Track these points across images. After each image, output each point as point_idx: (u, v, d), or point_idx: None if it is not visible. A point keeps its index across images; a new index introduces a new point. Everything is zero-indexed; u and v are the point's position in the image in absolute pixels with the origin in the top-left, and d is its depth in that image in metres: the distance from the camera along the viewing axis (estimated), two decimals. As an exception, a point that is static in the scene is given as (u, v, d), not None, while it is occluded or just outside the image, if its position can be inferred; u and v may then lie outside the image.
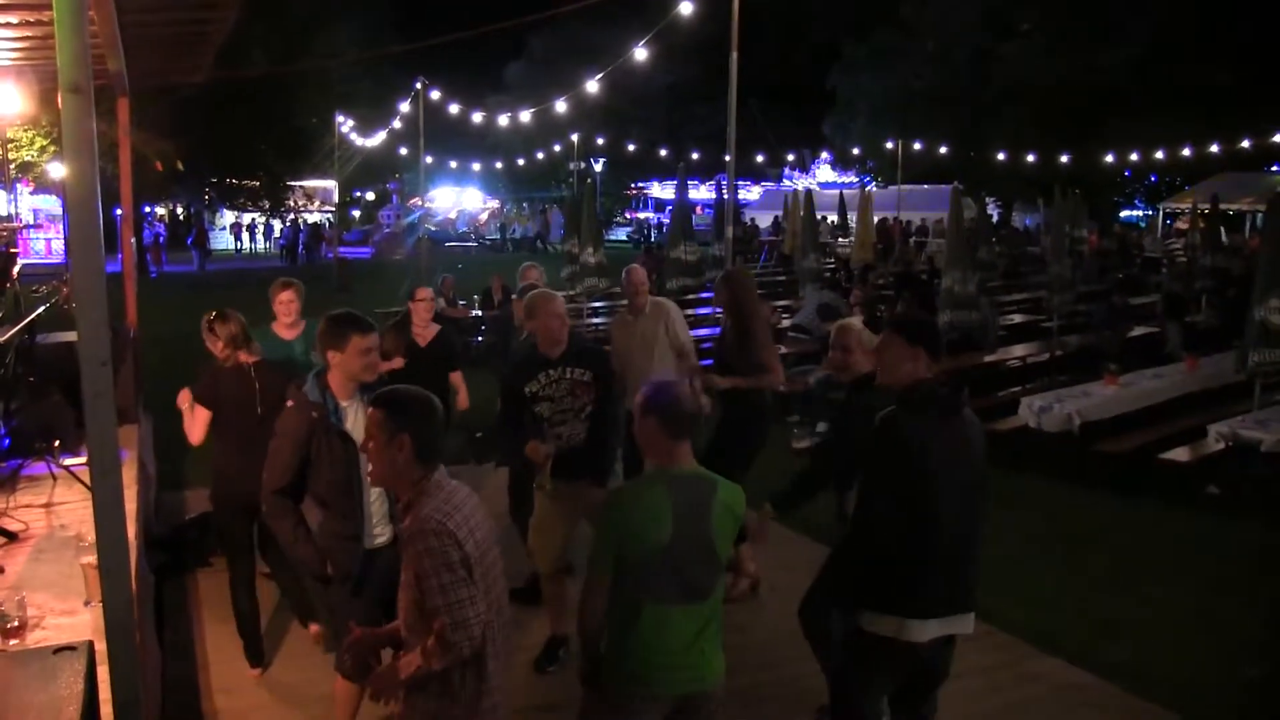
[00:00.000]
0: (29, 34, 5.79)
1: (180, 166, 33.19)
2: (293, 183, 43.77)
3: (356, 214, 55.29)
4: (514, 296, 7.44)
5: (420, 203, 39.62)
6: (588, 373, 5.07)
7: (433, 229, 42.47)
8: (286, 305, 6.23)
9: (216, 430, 5.18)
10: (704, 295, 16.64)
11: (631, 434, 3.50)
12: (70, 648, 2.67)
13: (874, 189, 34.10)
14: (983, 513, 3.62)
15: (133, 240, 9.21)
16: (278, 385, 4.97)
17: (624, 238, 50.32)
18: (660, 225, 49.40)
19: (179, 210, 48.80)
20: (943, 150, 34.20)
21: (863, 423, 3.66)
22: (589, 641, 3.30)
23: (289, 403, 4.07)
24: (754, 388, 6.06)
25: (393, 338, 6.66)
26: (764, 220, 41.41)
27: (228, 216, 46.10)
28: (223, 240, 45.36)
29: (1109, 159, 32.24)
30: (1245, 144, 29.39)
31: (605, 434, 5.14)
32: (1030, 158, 32.55)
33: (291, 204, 44.86)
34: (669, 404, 3.25)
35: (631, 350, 6.38)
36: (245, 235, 45.57)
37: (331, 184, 42.29)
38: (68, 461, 5.55)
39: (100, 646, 2.79)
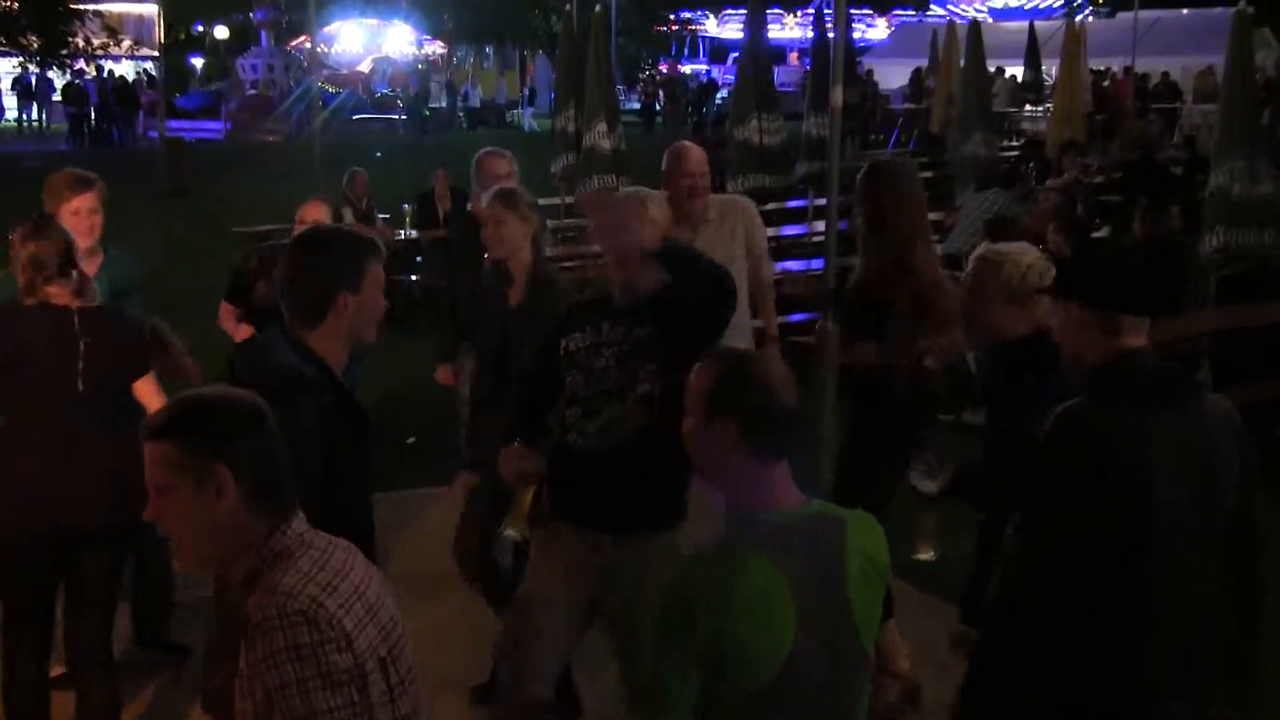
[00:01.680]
0: None
1: None
2: (82, 6, 42.54)
3: (198, 63, 55.02)
4: (471, 204, 7.82)
5: (310, 46, 38.90)
6: (649, 329, 4.94)
7: (332, 91, 42.88)
8: (82, 218, 6.10)
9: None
10: (792, 204, 16.97)
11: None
12: None
13: (1090, 18, 33.13)
14: (1237, 563, 3.79)
15: None
16: (117, 346, 5.23)
17: (655, 106, 49.71)
18: (715, 86, 48.67)
19: None
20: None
21: (1023, 426, 3.83)
22: None
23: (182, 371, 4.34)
24: (913, 366, 6.13)
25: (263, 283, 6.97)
26: (896, 76, 40.83)
27: None
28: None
29: None
30: None
31: (674, 444, 4.77)
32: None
33: (81, 45, 43.31)
34: (757, 394, 3.19)
35: None
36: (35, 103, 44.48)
37: (151, 9, 40.91)
38: None
39: None
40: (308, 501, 3.52)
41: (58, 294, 5.21)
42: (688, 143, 7.16)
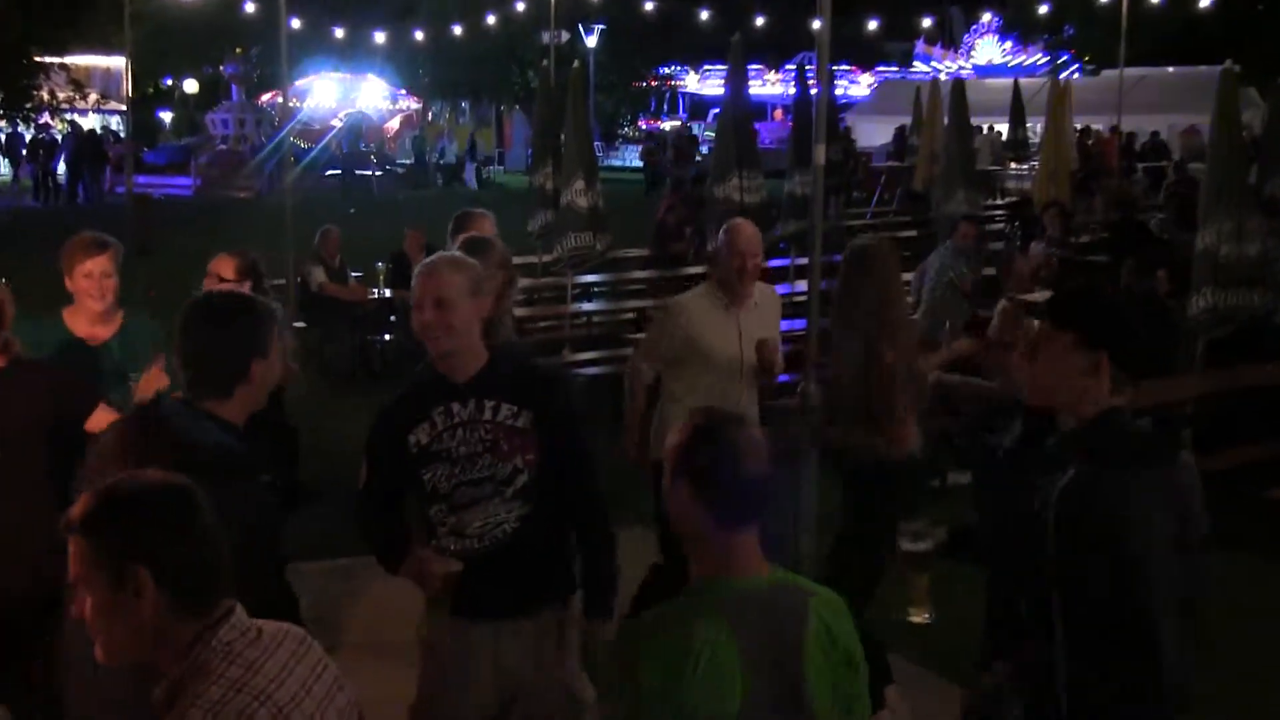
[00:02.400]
0: None
1: None
2: (48, 59, 42.68)
3: (167, 118, 55.46)
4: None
5: (282, 100, 39.34)
6: (522, 412, 5.02)
7: (304, 146, 43.21)
8: (94, 281, 6.25)
9: None
10: (773, 264, 16.57)
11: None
12: None
13: (1075, 76, 33.84)
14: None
15: None
16: (33, 403, 5.27)
17: (635, 164, 50.41)
18: (695, 142, 49.52)
19: None
20: (1204, 3, 34.16)
21: (1030, 488, 3.88)
22: None
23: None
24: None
25: None
26: (879, 133, 41.53)
27: None
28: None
29: None
30: None
31: (559, 529, 5.20)
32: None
33: (47, 98, 43.65)
34: (722, 459, 3.28)
35: (714, 359, 7.07)
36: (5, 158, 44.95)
37: (118, 62, 41.77)
38: None
39: None
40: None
41: None
42: (745, 221, 7.42)
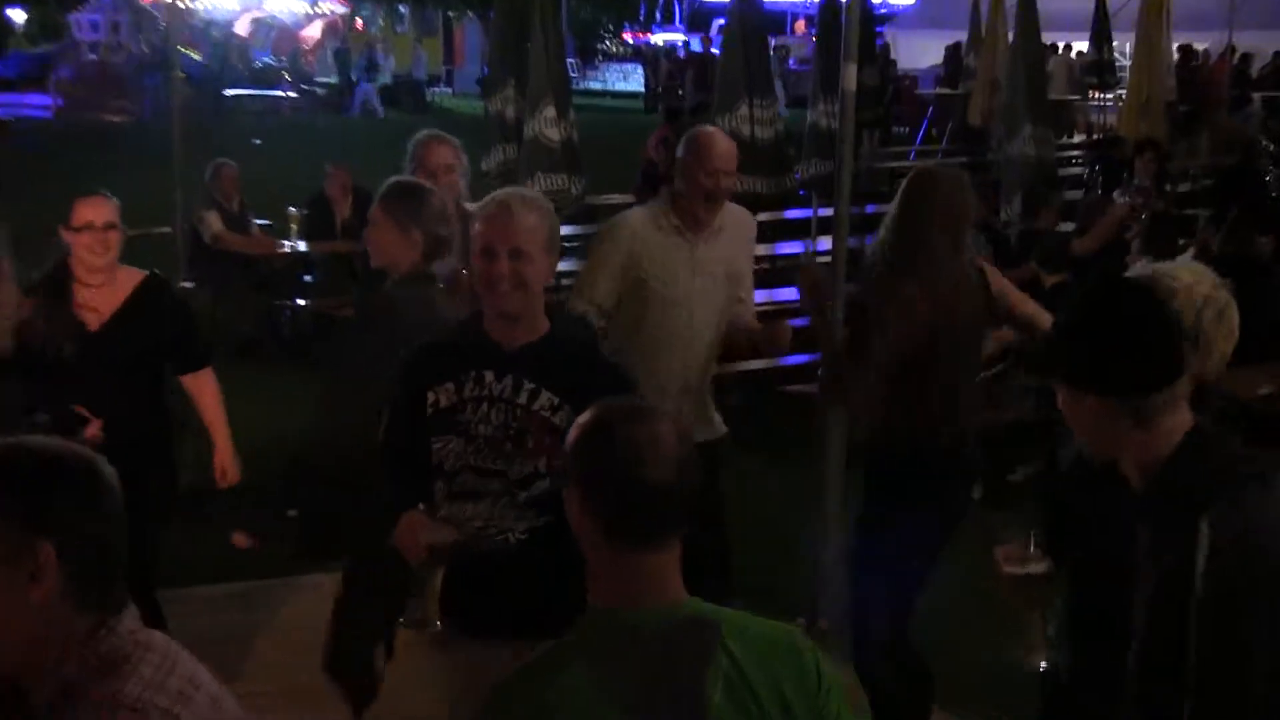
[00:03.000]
0: None
1: None
2: None
3: (18, 18, 55.25)
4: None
5: (167, 1, 38.97)
6: (563, 407, 4.88)
7: (198, 59, 43.33)
8: None
9: None
10: (791, 215, 17.48)
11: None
12: None
13: None
14: None
15: None
16: None
17: (622, 87, 50.29)
18: (694, 60, 49.56)
19: None
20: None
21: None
22: None
23: None
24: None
25: (46, 306, 6.98)
26: (927, 53, 41.66)
27: None
28: None
29: None
30: None
31: (575, 553, 5.00)
32: None
33: None
34: (613, 464, 3.21)
35: (678, 303, 7.01)
36: None
37: None
38: None
39: None
40: None
41: None
42: (715, 130, 7.45)
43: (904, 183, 6.97)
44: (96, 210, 6.92)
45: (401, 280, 6.38)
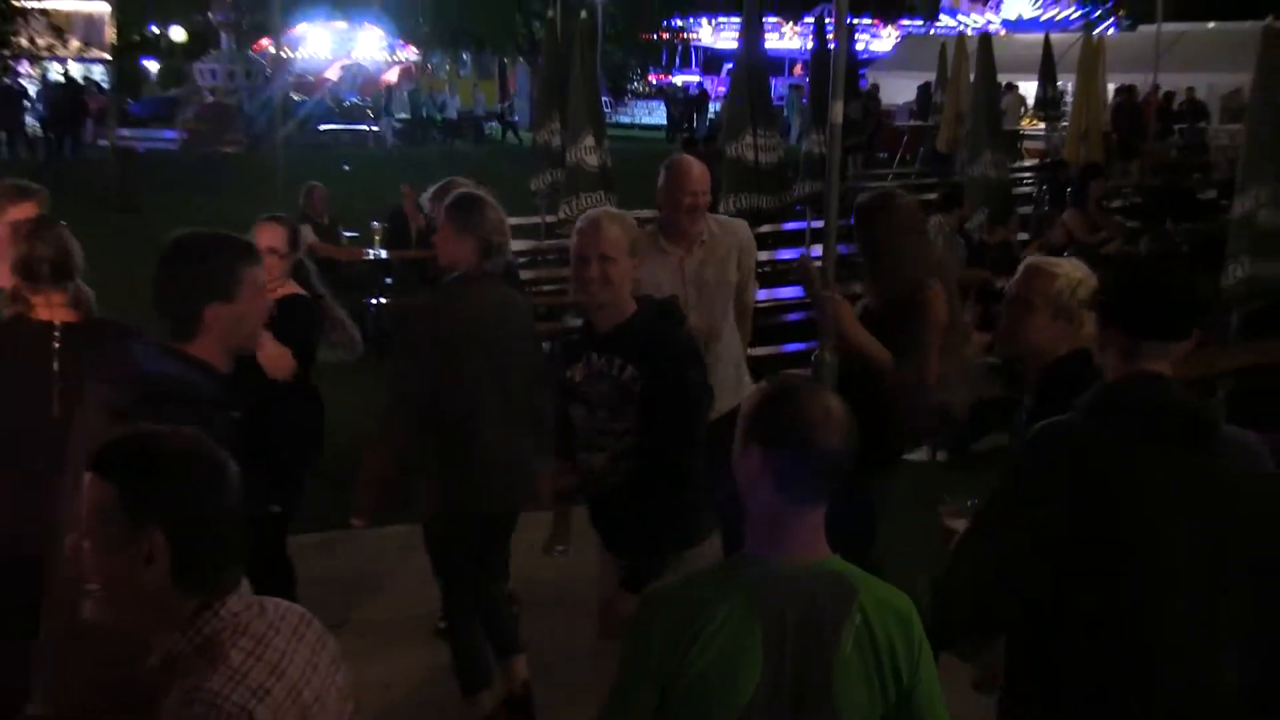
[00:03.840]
0: None
1: None
2: (26, 3, 42.60)
3: (152, 67, 55.31)
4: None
5: (274, 50, 39.26)
6: (638, 378, 5.19)
7: (298, 99, 42.63)
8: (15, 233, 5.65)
9: None
10: (788, 227, 17.05)
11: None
12: None
13: (1111, 33, 33.48)
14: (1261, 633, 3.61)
15: None
16: (103, 366, 4.96)
17: (648, 121, 50.19)
18: (707, 98, 49.32)
19: None
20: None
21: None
22: None
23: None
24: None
25: None
26: (902, 90, 41.45)
27: None
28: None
29: None
30: None
31: (656, 485, 5.18)
32: None
33: (24, 44, 43.31)
34: (792, 428, 3.11)
35: None
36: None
37: (102, 9, 41.20)
38: None
39: None
40: None
41: (50, 310, 5.25)
42: (689, 157, 7.30)
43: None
44: (268, 236, 6.75)
45: (460, 277, 6.34)
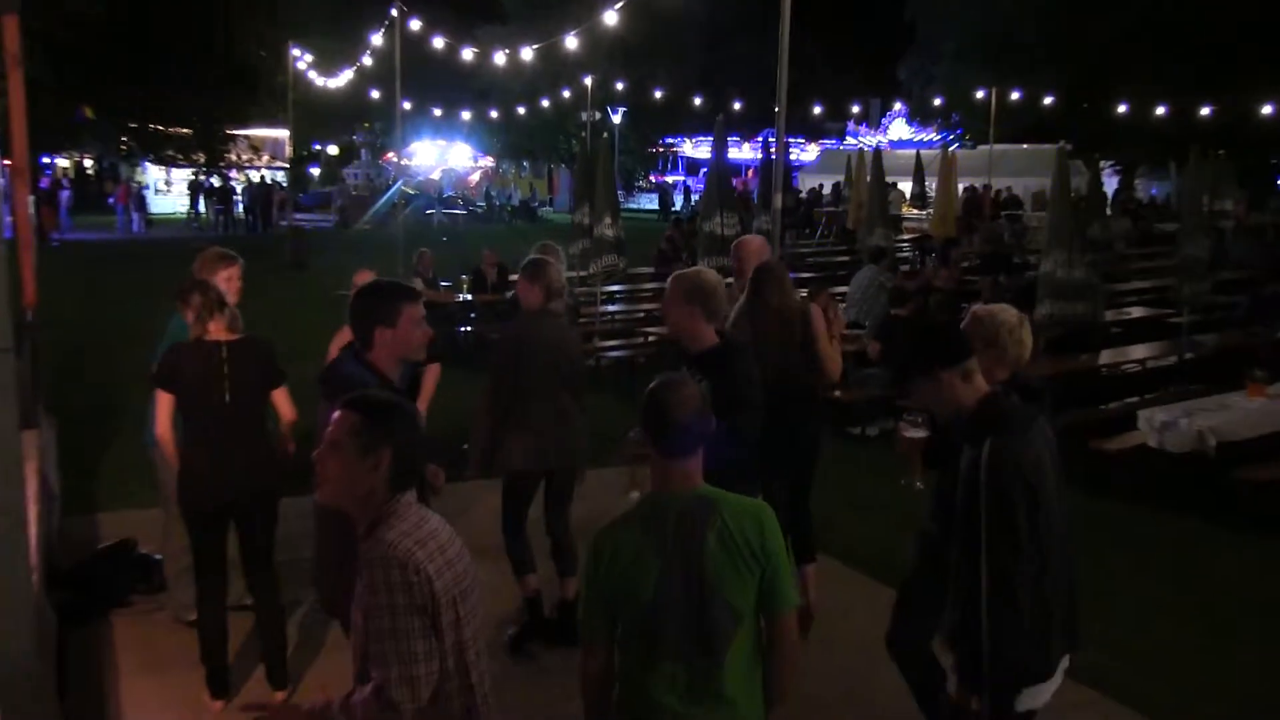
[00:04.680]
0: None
1: (90, 114, 33.59)
2: (234, 131, 44.57)
3: (315, 172, 55.91)
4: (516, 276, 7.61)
5: (396, 160, 39.75)
6: (709, 388, 4.95)
7: (411, 192, 43.03)
8: (226, 285, 6.08)
9: (183, 419, 5.50)
10: None
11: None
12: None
13: (960, 150, 34.10)
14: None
15: (30, 198, 9.29)
16: (254, 369, 5.48)
17: (649, 206, 50.86)
18: (689, 191, 50.23)
19: (87, 164, 49.36)
20: (1047, 101, 34.12)
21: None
22: (591, 713, 3.40)
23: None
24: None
25: None
26: (822, 185, 41.62)
27: (173, 174, 47.15)
28: (164, 204, 45.95)
29: (1266, 110, 31.46)
30: None
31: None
32: (1159, 110, 32.26)
33: (234, 158, 45.81)
34: (658, 413, 3.26)
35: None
36: (203, 200, 44.35)
37: (283, 133, 42.48)
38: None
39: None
40: None
41: (216, 329, 5.49)
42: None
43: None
44: (364, 278, 6.33)
45: (533, 312, 6.34)
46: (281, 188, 43.41)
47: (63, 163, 46.68)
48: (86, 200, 42.79)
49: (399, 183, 29.57)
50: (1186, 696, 6.01)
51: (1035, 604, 3.59)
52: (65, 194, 37.93)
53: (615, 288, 17.34)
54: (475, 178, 56.44)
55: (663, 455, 3.26)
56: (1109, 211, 25.67)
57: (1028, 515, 3.56)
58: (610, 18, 19.99)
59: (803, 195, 39.91)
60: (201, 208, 44.12)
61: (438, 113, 48.89)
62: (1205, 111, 31.70)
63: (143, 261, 26.07)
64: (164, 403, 5.50)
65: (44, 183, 36.70)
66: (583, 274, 15.97)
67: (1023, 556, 3.56)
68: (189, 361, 5.40)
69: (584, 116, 39.12)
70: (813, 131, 52.34)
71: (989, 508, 3.58)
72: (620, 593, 3.21)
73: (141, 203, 40.63)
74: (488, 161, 58.22)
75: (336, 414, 3.03)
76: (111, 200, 41.37)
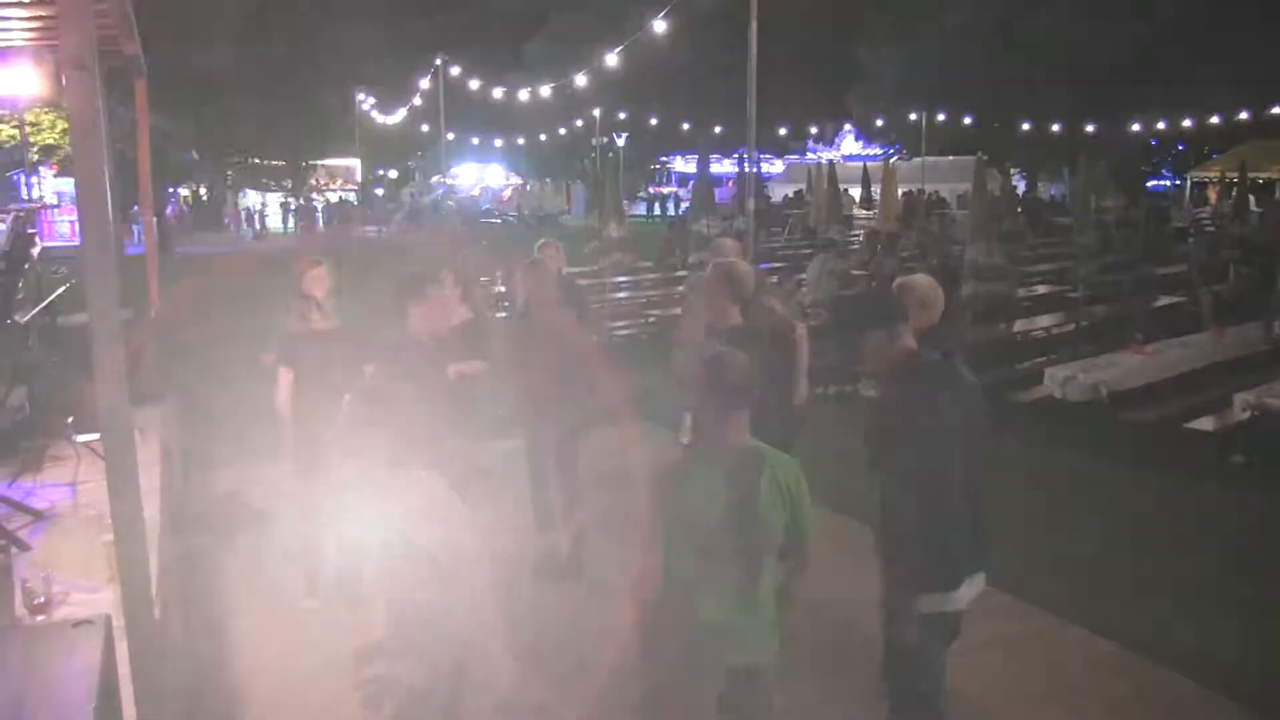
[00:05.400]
0: (42, 14, 5.80)
1: (196, 155, 34.18)
2: (315, 162, 45.82)
3: (380, 192, 56.12)
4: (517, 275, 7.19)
5: (443, 180, 39.67)
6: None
7: (453, 205, 42.76)
8: (319, 282, 5.82)
9: (298, 398, 5.39)
10: None
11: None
12: (88, 622, 2.67)
13: (898, 161, 34.15)
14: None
15: (154, 220, 9.25)
16: (348, 349, 5.32)
17: (644, 212, 51.19)
18: (679, 199, 50.50)
19: (201, 191, 49.72)
20: (967, 121, 34.20)
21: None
22: (643, 612, 3.38)
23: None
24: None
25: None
26: (788, 192, 42.05)
27: (267, 196, 47.62)
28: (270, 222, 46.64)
29: (1135, 128, 32.53)
30: (1277, 110, 29.17)
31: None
32: (1055, 128, 32.70)
33: (315, 184, 46.76)
34: (725, 377, 3.26)
35: None
36: (291, 216, 45.69)
37: (355, 162, 42.96)
38: (85, 438, 5.45)
39: (119, 622, 2.84)
40: None
41: (318, 321, 5.53)
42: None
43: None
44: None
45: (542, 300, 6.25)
46: (354, 205, 44.96)
47: (184, 191, 46.94)
48: (205, 220, 44.03)
49: (444, 196, 29.44)
50: (1084, 595, 6.05)
51: (924, 524, 3.49)
52: (186, 213, 40.48)
53: (622, 279, 17.33)
54: (508, 193, 56.25)
55: (719, 411, 3.25)
56: (1019, 209, 25.73)
57: (922, 448, 3.51)
58: (612, 60, 20.12)
59: (772, 200, 39.65)
60: (290, 223, 44.67)
61: (475, 141, 48.84)
62: (1090, 129, 32.34)
63: (250, 262, 26.00)
64: (284, 380, 5.43)
65: (169, 209, 36.91)
66: (594, 268, 15.83)
67: (911, 482, 3.51)
68: (303, 347, 5.36)
69: (594, 141, 39.14)
70: (780, 148, 52.14)
71: (898, 439, 3.57)
72: (688, 516, 3.19)
73: (250, 219, 42.43)
74: (517, 179, 58.07)
75: None
76: (226, 221, 43.58)
